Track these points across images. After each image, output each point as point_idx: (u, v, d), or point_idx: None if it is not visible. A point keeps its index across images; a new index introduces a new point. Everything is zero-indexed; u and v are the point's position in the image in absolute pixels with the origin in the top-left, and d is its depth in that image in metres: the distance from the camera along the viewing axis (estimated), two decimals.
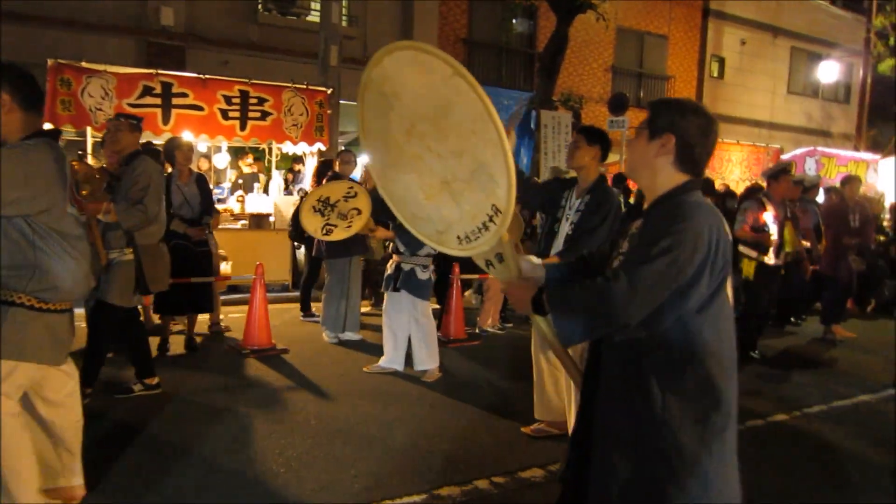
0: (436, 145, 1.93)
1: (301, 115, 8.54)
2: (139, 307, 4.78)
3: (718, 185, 10.61)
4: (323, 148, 8.85)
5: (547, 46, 12.14)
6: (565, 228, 3.81)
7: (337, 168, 6.22)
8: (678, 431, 1.71)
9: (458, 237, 2.00)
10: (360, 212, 5.12)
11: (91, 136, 7.53)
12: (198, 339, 5.90)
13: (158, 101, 7.63)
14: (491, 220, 1.88)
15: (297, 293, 7.70)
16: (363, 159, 9.80)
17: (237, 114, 8.12)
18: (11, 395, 2.56)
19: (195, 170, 6.58)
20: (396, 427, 4.16)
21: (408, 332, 5.15)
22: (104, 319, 4.28)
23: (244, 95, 8.15)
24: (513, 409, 4.50)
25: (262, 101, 8.27)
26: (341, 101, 9.89)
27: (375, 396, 4.73)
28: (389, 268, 5.16)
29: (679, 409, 1.71)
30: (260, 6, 11.44)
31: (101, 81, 7.29)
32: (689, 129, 1.82)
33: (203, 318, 6.29)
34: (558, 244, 3.83)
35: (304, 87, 8.61)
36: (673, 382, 1.72)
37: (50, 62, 7.12)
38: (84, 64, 7.30)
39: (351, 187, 5.21)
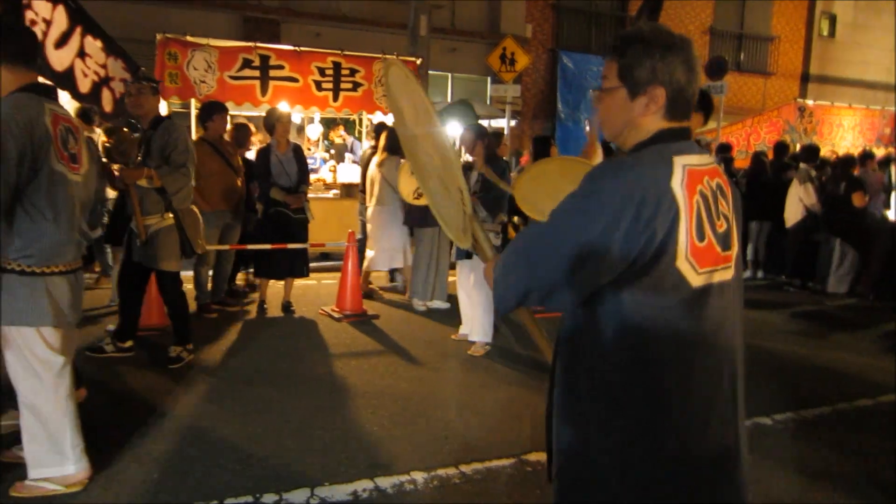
0: (426, 147, 1.93)
1: None
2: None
3: (828, 153, 10.01)
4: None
5: (640, 9, 11.66)
6: None
7: None
8: (600, 427, 1.43)
9: (463, 231, 1.88)
10: None
11: (194, 108, 7.93)
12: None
13: (257, 73, 7.91)
14: (462, 202, 1.80)
15: None
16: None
17: (330, 85, 8.32)
18: (44, 360, 2.63)
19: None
20: (484, 393, 4.24)
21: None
22: (169, 286, 4.38)
23: (337, 67, 8.33)
24: None
25: (353, 72, 8.43)
26: (430, 72, 9.93)
27: (463, 363, 4.83)
28: None
29: (602, 398, 1.42)
30: None
31: (205, 55, 7.62)
32: (676, 71, 1.43)
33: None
34: None
35: (395, 57, 8.69)
36: (599, 362, 1.43)
37: (159, 37, 7.50)
38: (189, 38, 7.65)
39: None
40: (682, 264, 1.36)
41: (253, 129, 6.76)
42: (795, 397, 4.40)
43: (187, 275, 6.07)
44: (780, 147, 9.33)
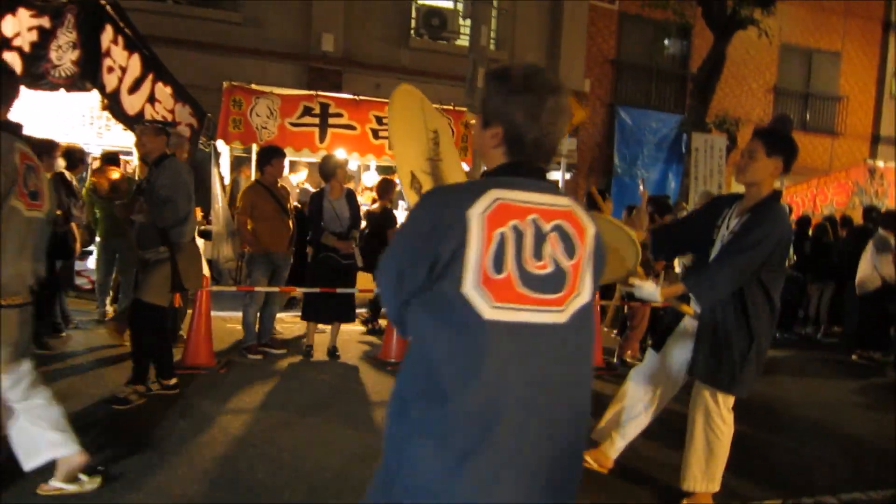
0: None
1: None
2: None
3: None
4: (466, 168, 8.97)
5: (702, 66, 11.58)
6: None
7: None
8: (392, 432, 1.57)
9: None
10: None
11: (255, 153, 8.16)
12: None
13: (317, 120, 8.12)
14: None
15: None
16: None
17: (387, 133, 8.45)
18: None
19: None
20: None
21: None
22: (143, 317, 4.37)
23: None
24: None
25: None
26: None
27: None
28: None
29: (395, 402, 1.54)
30: (412, 32, 11.91)
31: (268, 102, 7.89)
32: (515, 115, 1.46)
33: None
34: None
35: (451, 107, 8.80)
36: (402, 373, 1.54)
37: (225, 84, 7.82)
38: (253, 86, 7.94)
39: None
40: (470, 292, 1.36)
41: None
42: (864, 476, 4.06)
43: (235, 315, 6.17)
44: (869, 211, 9.06)
